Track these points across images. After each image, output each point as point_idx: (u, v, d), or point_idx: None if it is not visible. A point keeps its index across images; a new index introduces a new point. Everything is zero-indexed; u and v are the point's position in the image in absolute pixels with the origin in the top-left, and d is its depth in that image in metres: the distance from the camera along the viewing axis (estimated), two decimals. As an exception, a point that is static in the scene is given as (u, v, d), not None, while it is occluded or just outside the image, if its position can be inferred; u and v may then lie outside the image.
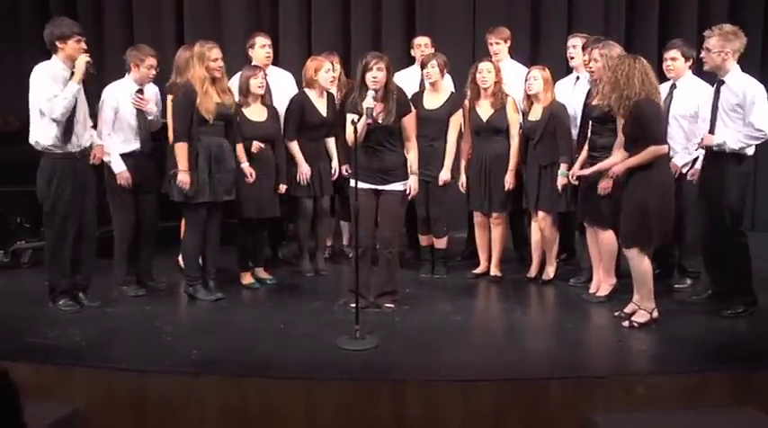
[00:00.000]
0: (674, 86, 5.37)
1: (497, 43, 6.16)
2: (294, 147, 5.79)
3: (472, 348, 4.54)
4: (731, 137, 4.72)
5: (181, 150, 5.10)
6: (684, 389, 3.97)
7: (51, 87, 4.75)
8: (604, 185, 4.99)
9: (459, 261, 6.37)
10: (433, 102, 5.80)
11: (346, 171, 5.94)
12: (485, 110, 5.71)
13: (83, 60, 4.80)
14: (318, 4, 7.84)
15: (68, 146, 4.86)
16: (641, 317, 4.71)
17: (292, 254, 6.40)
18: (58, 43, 4.82)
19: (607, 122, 4.98)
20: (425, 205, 5.85)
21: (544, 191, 5.57)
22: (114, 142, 5.29)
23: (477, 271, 5.98)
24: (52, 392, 3.90)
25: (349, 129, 4.87)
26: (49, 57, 4.88)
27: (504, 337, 4.87)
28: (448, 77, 6.06)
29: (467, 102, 5.79)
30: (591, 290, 5.40)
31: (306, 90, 5.89)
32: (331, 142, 5.93)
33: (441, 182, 5.76)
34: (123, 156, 5.29)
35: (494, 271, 5.90)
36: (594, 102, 5.16)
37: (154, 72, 5.42)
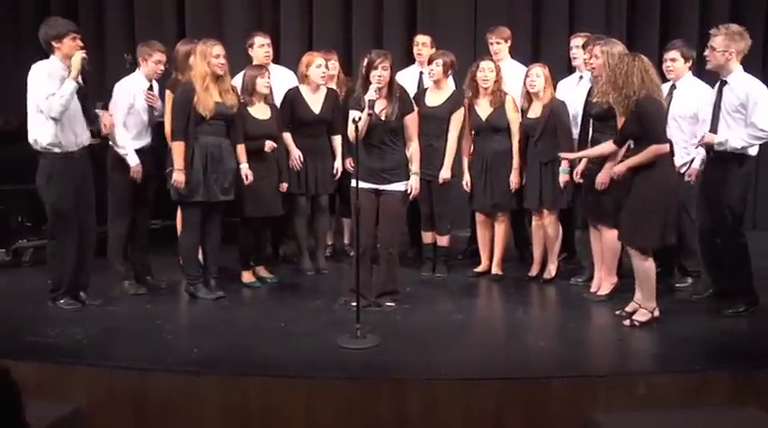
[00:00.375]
0: (673, 87, 5.36)
1: (498, 43, 6.16)
2: (286, 136, 5.80)
3: (473, 347, 4.54)
4: (734, 136, 4.71)
5: (177, 149, 5.11)
6: (685, 388, 3.97)
7: (48, 86, 4.75)
8: (602, 179, 4.97)
9: (460, 259, 6.38)
10: (434, 99, 5.80)
11: (350, 164, 5.94)
12: (484, 109, 5.71)
13: (78, 57, 4.80)
14: (319, 3, 7.84)
15: (67, 144, 4.86)
16: (642, 316, 4.71)
17: (292, 252, 6.40)
18: (54, 43, 4.82)
19: (608, 120, 4.98)
20: (429, 202, 5.85)
21: (546, 189, 5.57)
22: (127, 137, 5.30)
23: (479, 269, 5.98)
24: (53, 391, 3.90)
25: (351, 125, 4.87)
26: (48, 57, 4.88)
27: (506, 336, 4.87)
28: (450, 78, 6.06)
29: (466, 102, 5.79)
30: (592, 289, 5.40)
31: (300, 85, 5.89)
32: (337, 140, 5.92)
33: (441, 181, 5.76)
34: (135, 151, 5.31)
35: (495, 270, 5.89)
36: (594, 100, 5.16)
37: (162, 67, 5.43)
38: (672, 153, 4.81)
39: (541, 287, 5.71)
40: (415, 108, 5.16)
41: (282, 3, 7.87)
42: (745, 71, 4.88)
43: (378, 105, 4.94)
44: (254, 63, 6.02)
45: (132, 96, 5.33)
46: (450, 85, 5.90)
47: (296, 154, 5.80)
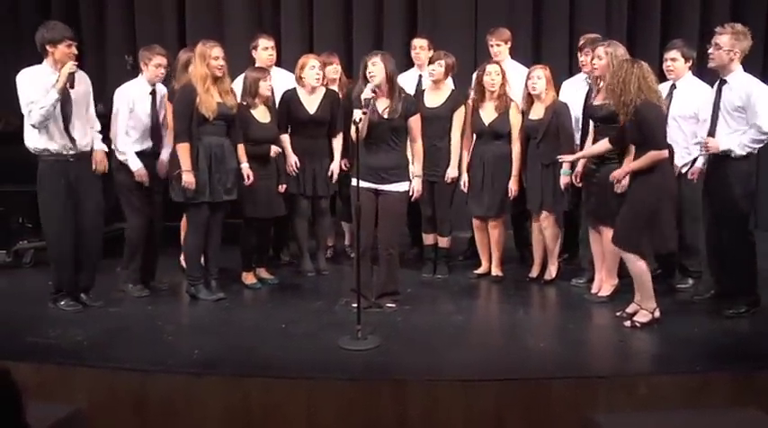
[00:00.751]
0: (673, 87, 5.36)
1: (498, 44, 6.15)
2: (284, 139, 5.80)
3: (474, 348, 4.54)
4: (736, 143, 4.70)
5: (183, 151, 5.10)
6: (686, 389, 3.97)
7: (31, 93, 4.74)
8: (617, 175, 4.87)
9: (461, 261, 6.37)
10: (434, 100, 5.80)
11: (345, 165, 5.94)
12: (488, 113, 5.70)
13: (66, 68, 4.76)
14: (320, 5, 7.84)
15: (60, 149, 4.86)
16: (643, 317, 4.71)
17: (293, 253, 6.40)
18: (48, 47, 4.81)
19: (610, 122, 4.97)
20: (431, 204, 5.85)
21: (547, 191, 5.56)
22: (128, 141, 5.30)
23: (479, 271, 5.97)
24: (54, 392, 3.91)
25: (353, 125, 4.89)
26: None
27: (506, 337, 4.86)
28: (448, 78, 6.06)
29: (470, 103, 5.79)
30: (593, 290, 5.40)
31: (296, 87, 5.90)
32: (336, 142, 5.92)
33: (448, 180, 5.76)
34: (136, 154, 5.32)
35: (495, 272, 5.89)
36: (597, 103, 5.16)
37: (162, 71, 5.41)
38: (672, 157, 4.82)
39: (542, 288, 5.71)
40: (419, 110, 5.16)
41: (283, 4, 7.87)
42: (746, 71, 4.87)
43: (380, 104, 4.95)
44: (256, 65, 6.02)
45: (132, 101, 5.32)
46: (448, 86, 5.90)
47: (292, 160, 5.80)
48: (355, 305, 4.58)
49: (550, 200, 5.57)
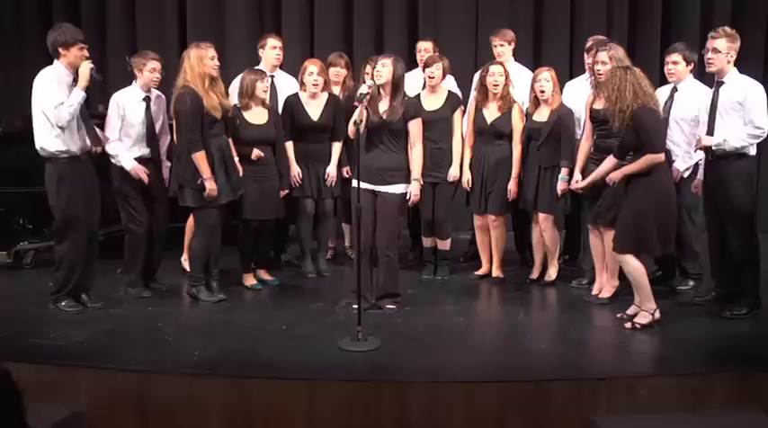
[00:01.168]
0: (674, 90, 5.35)
1: (501, 45, 6.15)
2: (287, 147, 5.81)
3: (474, 349, 4.53)
4: (732, 135, 4.72)
5: (201, 159, 5.07)
6: (687, 391, 3.96)
7: (57, 94, 4.76)
8: (614, 177, 4.89)
9: (461, 262, 6.37)
10: (433, 103, 5.79)
11: (347, 172, 5.95)
12: (491, 112, 5.70)
13: (86, 67, 4.81)
14: (321, 7, 7.84)
15: (78, 149, 4.87)
16: (643, 319, 4.71)
17: (294, 255, 6.40)
18: (60, 49, 4.82)
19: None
20: (431, 207, 5.85)
21: (544, 194, 5.57)
22: (121, 148, 5.29)
23: (480, 272, 5.97)
24: (55, 393, 3.91)
25: (351, 125, 4.91)
26: (50, 60, 4.88)
27: (507, 339, 4.86)
28: (449, 78, 6.06)
29: (473, 103, 5.79)
30: (593, 292, 5.40)
31: (299, 92, 5.90)
32: (336, 147, 5.91)
33: (451, 179, 5.77)
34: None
35: (496, 273, 5.89)
36: (597, 106, 5.16)
37: (157, 76, 5.39)
38: (669, 162, 4.82)
39: (543, 289, 5.70)
40: (419, 115, 5.15)
41: (284, 6, 7.88)
42: (746, 71, 4.91)
43: (381, 106, 4.95)
44: (262, 64, 6.03)
45: (122, 108, 5.29)
46: (444, 88, 5.90)
47: (295, 171, 5.79)
48: (356, 306, 4.58)
49: (547, 202, 5.57)
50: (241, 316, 5.08)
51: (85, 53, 4.90)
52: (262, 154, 5.54)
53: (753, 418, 3.47)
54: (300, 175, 5.81)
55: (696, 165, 5.22)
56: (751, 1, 7.49)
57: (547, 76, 5.54)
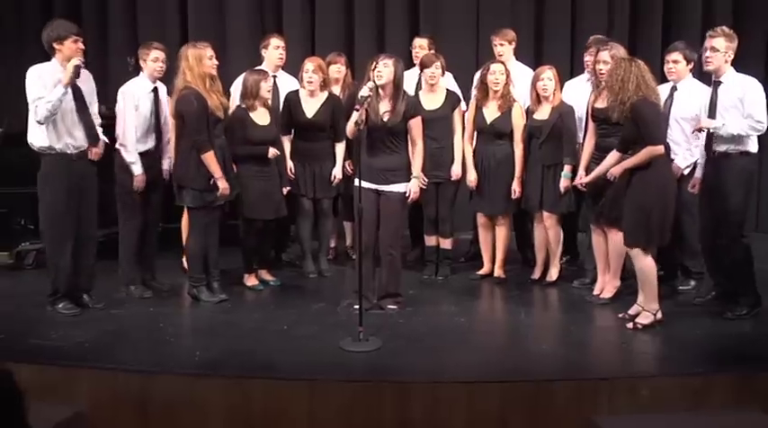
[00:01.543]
0: (674, 89, 5.35)
1: (501, 45, 6.15)
2: (284, 143, 5.82)
3: (476, 349, 4.53)
4: (732, 122, 4.73)
5: (211, 159, 5.07)
6: (688, 391, 3.96)
7: (39, 89, 4.73)
8: (616, 172, 4.88)
9: (462, 262, 6.37)
10: (432, 102, 5.79)
11: (349, 166, 5.95)
12: (491, 112, 5.70)
13: (72, 63, 4.75)
14: (322, 6, 7.84)
15: (63, 147, 4.85)
16: (645, 319, 4.71)
17: (295, 255, 6.40)
18: (55, 45, 4.81)
19: (616, 124, 4.96)
20: (434, 206, 5.85)
21: (547, 192, 5.57)
22: (136, 152, 5.29)
23: (481, 272, 5.97)
24: (56, 393, 3.91)
25: (350, 124, 4.91)
26: (50, 58, 4.88)
27: (508, 339, 4.87)
28: (448, 76, 6.07)
29: (474, 102, 5.79)
30: (595, 292, 5.39)
31: (299, 89, 5.91)
32: (339, 147, 5.91)
33: (454, 176, 5.77)
34: (141, 154, 5.32)
35: (497, 273, 5.89)
36: (600, 105, 5.16)
37: (161, 65, 5.40)
38: (668, 155, 4.82)
39: (544, 289, 5.70)
40: (418, 114, 5.15)
41: (285, 5, 7.87)
42: (747, 71, 4.94)
43: (381, 107, 4.95)
44: (265, 64, 6.04)
45: (137, 99, 5.33)
46: (443, 87, 5.90)
47: (289, 165, 5.83)
48: (357, 306, 4.58)
49: (550, 201, 5.57)
50: (242, 317, 5.08)
51: (80, 46, 4.86)
52: (278, 152, 5.57)
53: (754, 418, 3.47)
54: (294, 171, 5.82)
55: (695, 164, 5.21)
56: (751, 1, 7.49)
57: (550, 75, 5.54)
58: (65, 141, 4.85)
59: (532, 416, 3.90)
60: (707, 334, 4.68)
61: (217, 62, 5.24)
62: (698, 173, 5.12)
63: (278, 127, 5.69)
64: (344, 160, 5.97)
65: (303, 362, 4.22)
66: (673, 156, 5.11)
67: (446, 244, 6.01)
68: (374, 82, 4.89)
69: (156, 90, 5.43)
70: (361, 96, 4.80)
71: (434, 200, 5.81)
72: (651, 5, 7.65)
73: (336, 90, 6.08)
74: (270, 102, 5.68)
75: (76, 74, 4.77)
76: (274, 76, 5.98)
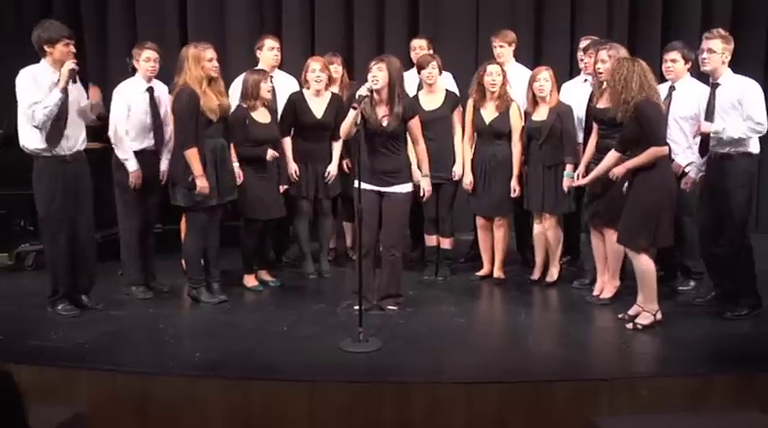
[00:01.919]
0: (672, 88, 5.35)
1: (501, 46, 6.15)
2: (286, 143, 5.81)
3: (476, 350, 4.53)
4: (731, 125, 4.73)
5: (193, 156, 5.07)
6: (688, 392, 3.96)
7: (35, 93, 4.72)
8: (618, 172, 4.87)
9: (462, 262, 6.38)
10: (431, 102, 5.80)
11: (347, 165, 5.94)
12: (489, 112, 5.71)
13: (67, 67, 4.74)
14: (321, 6, 7.84)
15: (57, 149, 4.84)
16: (645, 319, 4.71)
17: (295, 255, 6.41)
18: (46, 47, 4.78)
19: (616, 125, 4.96)
20: (435, 206, 5.85)
21: (549, 193, 5.57)
22: (127, 141, 5.32)
23: (481, 273, 5.97)
24: (56, 394, 3.91)
25: (345, 124, 4.91)
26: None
27: (508, 339, 4.87)
28: (447, 76, 6.06)
29: (471, 103, 5.79)
30: (595, 292, 5.40)
31: (303, 90, 5.91)
32: (336, 145, 5.92)
33: (455, 177, 5.78)
34: (134, 153, 5.33)
35: (497, 274, 5.89)
36: (602, 106, 5.16)
37: (152, 64, 5.41)
38: (670, 155, 4.82)
39: (544, 290, 5.70)
40: (417, 114, 5.15)
41: (284, 5, 7.87)
42: (746, 71, 4.95)
43: (378, 111, 4.95)
44: (261, 65, 6.03)
45: (129, 100, 5.33)
46: (442, 87, 5.91)
47: (293, 167, 5.81)
48: (357, 307, 4.58)
49: (552, 201, 5.57)
50: (242, 318, 5.08)
51: (72, 49, 4.85)
52: (276, 154, 5.57)
53: (753, 418, 3.47)
54: (298, 173, 5.82)
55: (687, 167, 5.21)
56: (751, 1, 7.49)
57: (546, 76, 5.54)
58: (60, 143, 4.85)
59: (532, 417, 3.90)
60: (706, 334, 4.68)
61: (217, 64, 5.24)
62: (692, 173, 5.12)
63: (278, 126, 5.69)
64: (342, 158, 5.97)
65: (303, 363, 4.22)
66: (673, 156, 5.11)
67: (446, 244, 6.01)
68: (370, 86, 4.87)
69: (151, 89, 5.43)
70: (359, 95, 4.79)
71: (434, 201, 5.81)
72: (650, 5, 7.65)
73: (334, 90, 6.08)
74: (269, 102, 5.68)
75: (72, 78, 4.76)
76: (271, 76, 5.98)
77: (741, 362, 4.26)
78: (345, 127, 4.93)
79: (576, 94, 5.76)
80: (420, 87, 5.99)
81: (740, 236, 4.87)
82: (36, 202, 4.93)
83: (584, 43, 6.01)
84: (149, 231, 5.55)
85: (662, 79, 5.29)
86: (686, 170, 5.19)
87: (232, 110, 5.47)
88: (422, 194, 5.10)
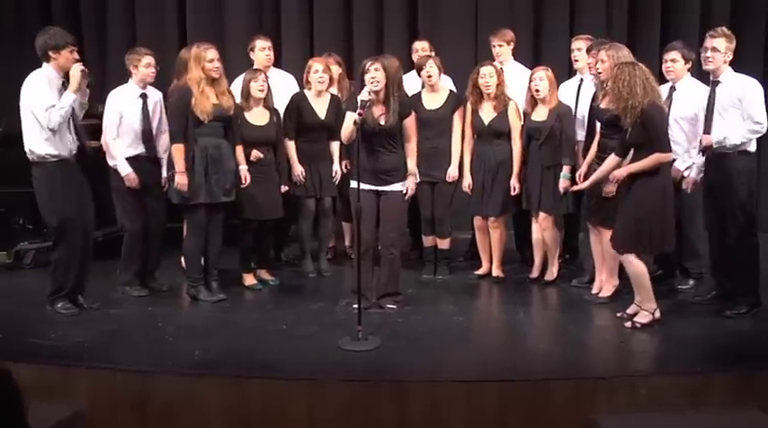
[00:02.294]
0: (672, 89, 5.35)
1: (500, 45, 6.15)
2: (290, 146, 5.81)
3: (475, 349, 4.53)
4: (732, 132, 4.74)
5: (177, 152, 5.12)
6: (687, 390, 3.97)
7: (48, 97, 4.75)
8: (609, 189, 4.98)
9: (461, 261, 6.37)
10: (433, 102, 5.80)
11: (346, 166, 5.95)
12: (487, 113, 5.71)
13: (77, 69, 4.78)
14: (320, 6, 7.84)
15: (68, 152, 4.87)
16: (643, 318, 4.71)
17: (294, 254, 6.41)
18: (51, 53, 4.81)
19: (615, 126, 4.96)
20: (431, 206, 5.85)
21: (546, 193, 5.57)
22: (119, 146, 5.32)
23: (480, 272, 5.97)
24: (55, 393, 3.90)
25: (345, 127, 4.91)
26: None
27: (507, 338, 4.87)
28: (446, 79, 6.06)
29: (469, 106, 5.79)
30: (593, 291, 5.40)
31: (305, 90, 5.91)
32: (335, 145, 5.91)
33: (449, 178, 5.77)
34: (128, 159, 5.34)
35: (496, 272, 5.89)
36: (604, 106, 5.16)
37: (153, 70, 5.42)
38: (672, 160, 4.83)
39: (543, 289, 5.70)
40: (413, 111, 5.15)
41: (283, 5, 7.88)
42: (746, 71, 4.95)
43: (376, 111, 4.95)
44: (254, 66, 6.03)
45: (121, 106, 5.34)
46: (445, 87, 5.91)
47: (299, 170, 5.81)
48: (356, 306, 4.58)
49: (550, 201, 5.57)
50: (241, 316, 5.08)
51: (76, 56, 4.90)
52: (261, 155, 5.54)
53: (753, 417, 3.47)
54: (304, 174, 5.82)
55: (688, 168, 5.21)
56: (750, 1, 7.49)
57: (542, 75, 5.54)
58: (69, 146, 4.88)
59: (531, 415, 3.90)
60: (705, 332, 4.68)
61: (219, 65, 5.23)
62: (693, 173, 5.12)
63: (277, 127, 5.69)
64: (341, 159, 5.97)
65: (302, 362, 4.22)
66: (674, 156, 5.11)
67: (444, 244, 6.01)
68: (371, 88, 4.87)
69: (144, 96, 5.42)
70: (362, 100, 4.79)
71: (431, 201, 5.81)
72: (650, 6, 7.65)
73: (333, 91, 6.08)
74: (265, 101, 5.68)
75: (86, 79, 4.82)
76: (266, 76, 5.96)
77: (740, 361, 4.26)
78: (346, 132, 4.94)
79: (572, 95, 5.75)
80: (423, 88, 6.00)
81: (747, 234, 4.86)
82: (46, 208, 4.91)
83: (577, 43, 5.99)
84: (154, 234, 5.53)
85: (662, 79, 5.29)
86: (685, 174, 5.19)
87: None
88: (404, 192, 5.10)
